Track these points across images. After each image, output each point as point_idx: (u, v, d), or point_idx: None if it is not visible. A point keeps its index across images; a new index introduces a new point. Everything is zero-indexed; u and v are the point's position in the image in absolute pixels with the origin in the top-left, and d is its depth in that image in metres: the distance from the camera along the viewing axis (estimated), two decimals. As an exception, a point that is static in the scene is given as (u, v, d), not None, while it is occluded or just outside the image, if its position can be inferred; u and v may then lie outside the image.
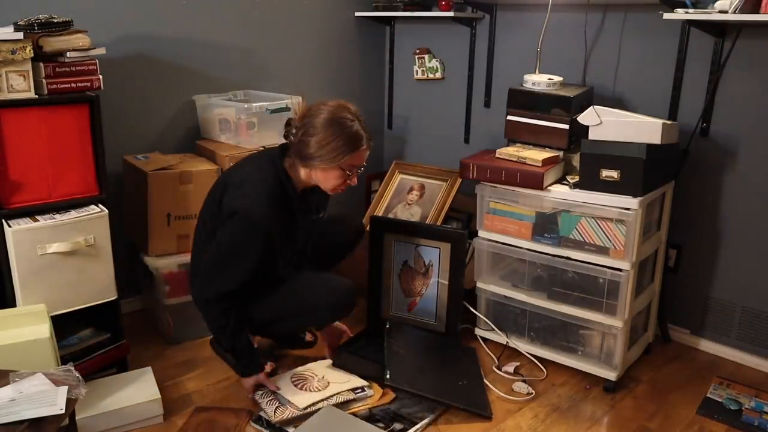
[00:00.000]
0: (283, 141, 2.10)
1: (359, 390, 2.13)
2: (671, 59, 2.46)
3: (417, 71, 3.34)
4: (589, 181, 2.21)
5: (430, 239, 2.53)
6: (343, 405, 2.08)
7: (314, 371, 2.24)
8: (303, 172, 2.06)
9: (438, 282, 2.52)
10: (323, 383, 2.15)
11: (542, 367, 2.39)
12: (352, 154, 2.00)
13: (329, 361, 2.30)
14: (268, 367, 2.29)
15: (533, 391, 2.25)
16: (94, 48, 2.06)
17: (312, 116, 2.01)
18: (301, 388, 2.12)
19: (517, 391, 2.25)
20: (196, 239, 2.20)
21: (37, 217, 2.01)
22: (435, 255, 2.52)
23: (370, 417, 2.05)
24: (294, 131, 2.04)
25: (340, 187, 2.07)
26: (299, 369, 2.25)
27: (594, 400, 2.22)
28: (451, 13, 2.93)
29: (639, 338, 2.46)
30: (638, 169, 2.11)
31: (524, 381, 2.31)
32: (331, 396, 2.09)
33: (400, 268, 2.58)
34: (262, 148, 2.61)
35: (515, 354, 2.47)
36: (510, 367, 2.38)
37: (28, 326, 1.81)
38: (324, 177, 2.04)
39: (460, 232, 2.50)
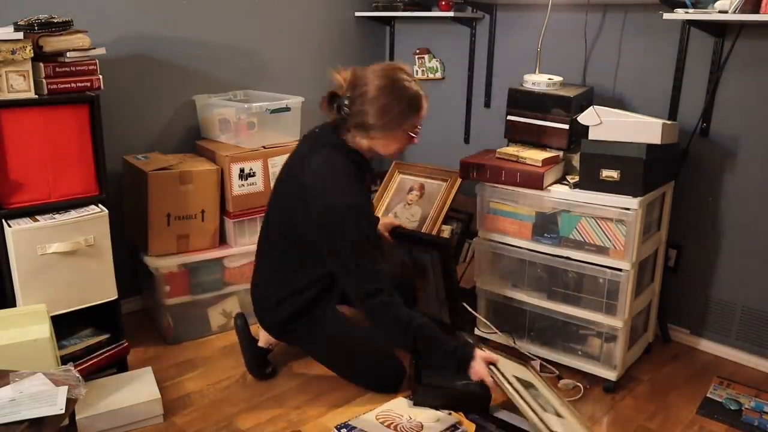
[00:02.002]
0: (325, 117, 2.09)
1: (453, 428, 2.03)
2: (671, 59, 2.46)
3: (417, 71, 3.34)
4: (589, 181, 2.21)
5: (419, 246, 2.52)
6: None
7: (397, 411, 2.10)
8: (363, 143, 2.03)
9: (435, 282, 2.52)
10: (416, 424, 2.03)
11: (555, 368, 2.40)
12: (415, 115, 1.98)
13: (405, 400, 2.16)
14: (268, 369, 2.33)
15: (579, 385, 2.28)
16: (94, 48, 2.06)
17: (364, 84, 1.95)
18: (395, 429, 2.02)
19: (562, 389, 2.28)
20: (266, 249, 2.24)
21: (37, 217, 2.01)
22: (427, 260, 2.51)
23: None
24: (347, 103, 1.98)
25: (401, 150, 2.08)
26: (380, 409, 2.11)
27: (594, 400, 2.22)
28: (451, 13, 2.93)
29: (639, 338, 2.46)
30: (638, 169, 2.11)
31: (558, 377, 2.32)
32: None
33: (399, 268, 2.59)
34: (262, 148, 2.62)
35: (512, 354, 2.46)
36: (536, 365, 2.38)
37: (28, 326, 1.81)
38: (386, 143, 2.02)
39: (446, 240, 2.48)
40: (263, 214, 2.64)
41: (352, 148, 2.04)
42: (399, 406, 2.15)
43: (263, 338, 2.35)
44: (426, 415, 2.09)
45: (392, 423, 2.05)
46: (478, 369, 1.94)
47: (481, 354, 1.97)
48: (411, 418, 2.07)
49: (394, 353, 2.32)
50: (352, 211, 1.94)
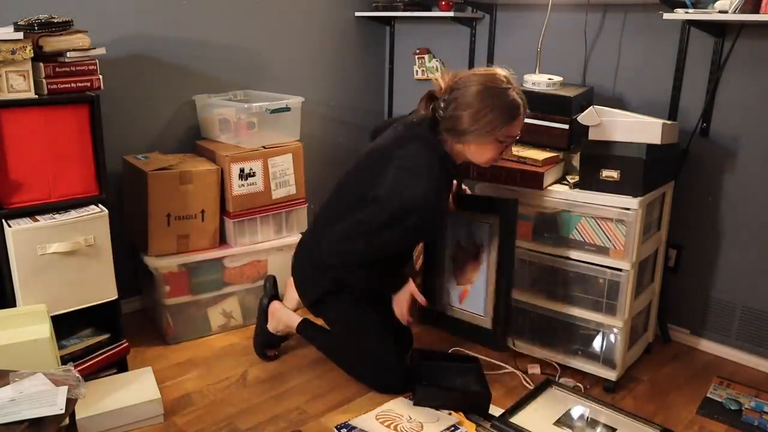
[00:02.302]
0: (422, 114, 2.04)
1: (453, 428, 2.04)
2: (671, 59, 2.46)
3: (417, 71, 3.34)
4: (589, 181, 2.21)
5: (479, 212, 2.34)
6: None
7: (397, 411, 2.11)
8: (456, 148, 2.00)
9: (487, 269, 2.41)
10: (416, 424, 2.04)
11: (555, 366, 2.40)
12: (510, 124, 1.94)
13: (405, 400, 2.17)
14: (270, 352, 2.43)
15: (580, 385, 2.28)
16: (94, 48, 2.05)
17: (461, 88, 1.93)
18: (395, 429, 2.02)
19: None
20: (328, 218, 2.19)
21: (37, 217, 2.01)
22: (486, 232, 2.33)
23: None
24: (442, 105, 1.96)
25: (494, 159, 2.03)
26: (380, 409, 2.12)
27: (594, 400, 2.22)
28: (451, 13, 2.93)
29: (639, 338, 2.46)
30: (638, 169, 2.11)
31: (558, 377, 2.31)
32: None
33: (453, 248, 2.49)
34: (262, 148, 2.62)
35: (513, 354, 2.46)
36: (535, 369, 2.38)
37: (28, 326, 1.81)
38: (479, 150, 1.98)
39: (510, 200, 2.24)
40: (264, 214, 2.66)
41: (443, 149, 2.00)
42: (399, 406, 2.15)
43: (272, 324, 2.40)
44: (426, 415, 2.09)
45: (392, 423, 2.05)
46: (400, 297, 2.08)
47: (411, 287, 2.05)
48: (411, 418, 2.07)
49: (389, 361, 2.31)
50: (419, 215, 1.92)
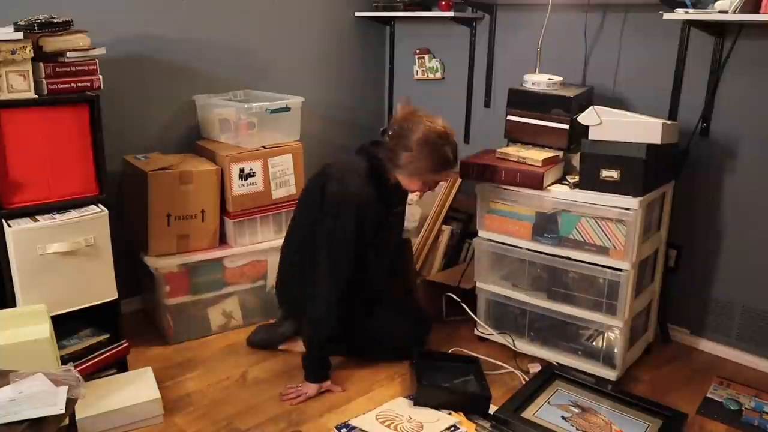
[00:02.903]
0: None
1: (453, 428, 2.04)
2: (671, 59, 2.46)
3: (417, 71, 3.34)
4: (589, 181, 2.21)
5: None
6: None
7: (397, 411, 2.12)
8: (391, 171, 2.22)
9: None
10: (416, 424, 2.04)
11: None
12: (437, 173, 2.18)
13: (405, 400, 2.18)
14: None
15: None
16: (94, 48, 2.05)
17: (408, 129, 2.14)
18: (395, 429, 2.03)
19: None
20: (292, 238, 2.40)
21: (37, 217, 2.01)
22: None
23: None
24: (390, 133, 2.18)
25: (418, 192, 2.32)
26: (381, 409, 2.12)
27: (594, 400, 2.22)
28: (451, 13, 2.93)
29: (639, 338, 2.46)
30: (638, 169, 2.11)
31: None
32: None
33: None
34: (262, 148, 2.63)
35: (513, 354, 2.46)
36: (535, 369, 2.37)
37: (28, 326, 1.81)
38: (407, 182, 2.22)
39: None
40: (264, 213, 2.67)
41: (380, 162, 2.20)
42: (399, 406, 2.15)
43: (284, 346, 2.50)
44: (426, 415, 2.09)
45: (392, 423, 2.05)
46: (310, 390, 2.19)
47: (326, 385, 2.21)
48: (411, 418, 2.08)
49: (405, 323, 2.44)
50: (345, 201, 2.14)
